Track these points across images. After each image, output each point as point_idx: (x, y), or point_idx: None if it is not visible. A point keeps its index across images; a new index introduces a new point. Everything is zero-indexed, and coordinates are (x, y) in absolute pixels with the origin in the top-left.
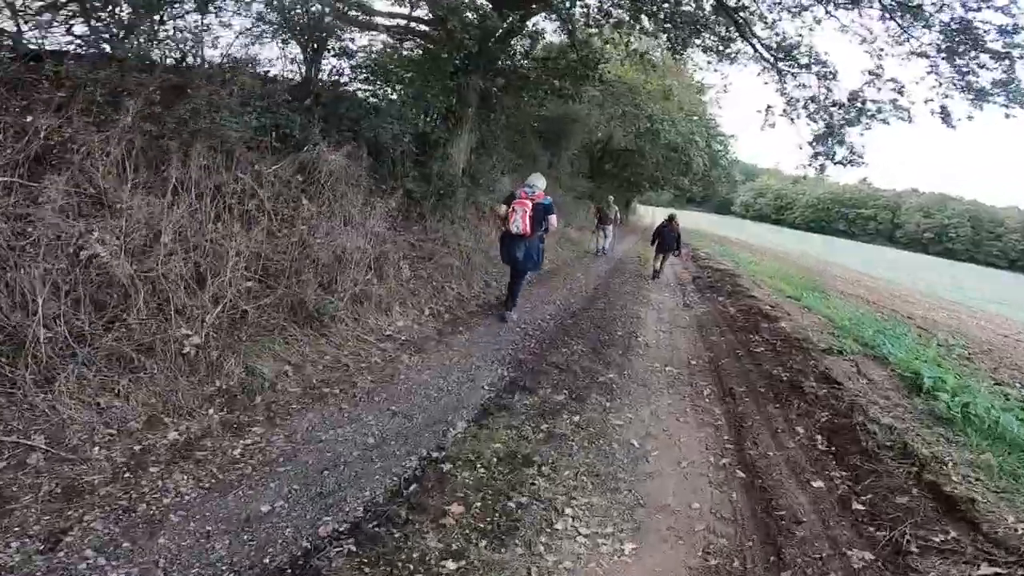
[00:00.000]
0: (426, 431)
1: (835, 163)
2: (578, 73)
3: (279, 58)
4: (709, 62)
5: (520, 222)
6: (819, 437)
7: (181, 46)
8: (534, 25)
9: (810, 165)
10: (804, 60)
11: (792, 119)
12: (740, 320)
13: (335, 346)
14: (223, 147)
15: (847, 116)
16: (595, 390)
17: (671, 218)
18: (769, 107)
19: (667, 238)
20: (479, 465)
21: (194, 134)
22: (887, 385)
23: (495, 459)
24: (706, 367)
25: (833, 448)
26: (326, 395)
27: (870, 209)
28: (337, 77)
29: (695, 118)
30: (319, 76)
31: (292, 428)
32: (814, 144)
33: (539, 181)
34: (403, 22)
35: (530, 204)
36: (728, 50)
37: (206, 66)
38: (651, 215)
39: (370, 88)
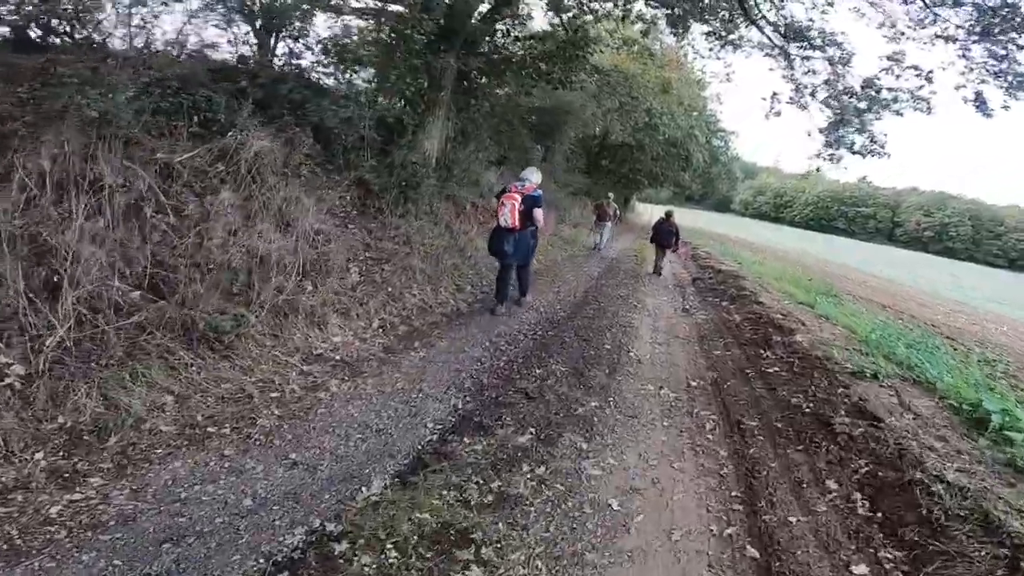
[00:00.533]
0: (329, 490)
1: (853, 153)
2: (567, 55)
3: (230, 41)
4: (711, 49)
5: (508, 215)
6: (858, 496)
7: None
8: (523, 6)
9: (820, 156)
10: (817, 41)
11: (802, 106)
12: (748, 331)
13: (242, 370)
14: (112, 133)
15: (861, 103)
16: (570, 427)
17: (668, 214)
18: (775, 94)
19: (664, 234)
20: (390, 546)
21: (54, 116)
22: (939, 421)
23: (416, 536)
24: (709, 390)
25: (880, 514)
26: (210, 436)
27: (870, 207)
28: (294, 60)
29: (695, 113)
30: (271, 59)
31: (145, 480)
32: (829, 132)
33: (533, 175)
34: (376, 4)
35: (519, 197)
36: (732, 36)
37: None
38: (650, 213)
39: (329, 71)
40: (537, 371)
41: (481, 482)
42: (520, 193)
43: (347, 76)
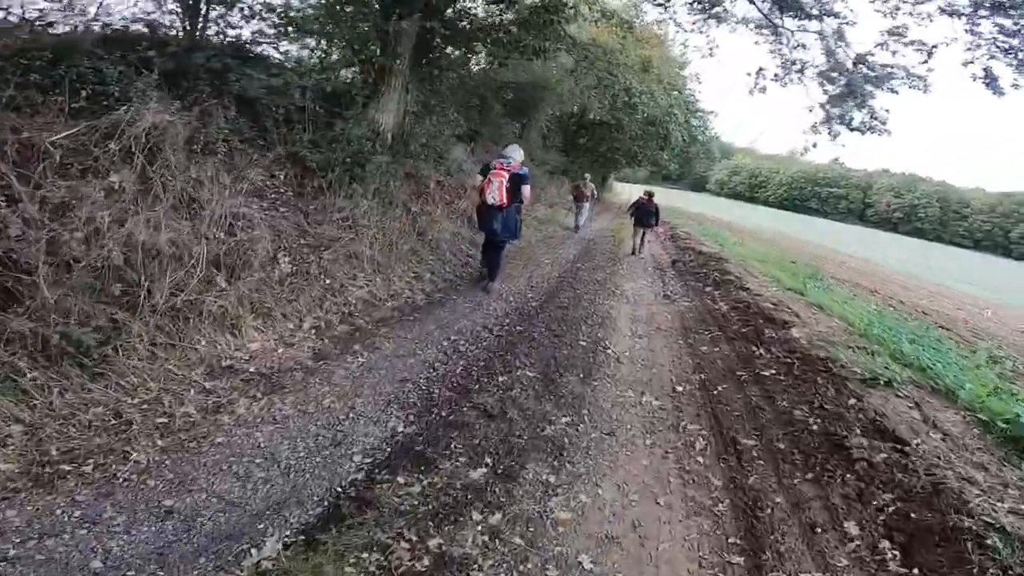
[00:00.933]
0: (207, 552)
1: (852, 129)
2: (541, 20)
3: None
4: (695, 22)
5: (497, 193)
6: (887, 544)
7: None
8: None
9: (816, 130)
10: (814, 10)
11: (788, 82)
12: (736, 322)
13: (122, 391)
14: None
15: (858, 77)
16: (536, 453)
17: (650, 195)
18: (760, 69)
19: (645, 214)
20: None
21: None
22: (971, 441)
23: None
24: (697, 396)
25: (917, 571)
26: (64, 475)
27: (842, 188)
28: (230, 29)
29: (675, 92)
30: (201, 28)
31: None
32: (832, 105)
33: (516, 153)
34: None
35: (506, 175)
36: (717, 7)
37: None
38: (628, 192)
39: (270, 39)
40: (500, 379)
41: (415, 539)
42: (507, 170)
43: (284, 43)
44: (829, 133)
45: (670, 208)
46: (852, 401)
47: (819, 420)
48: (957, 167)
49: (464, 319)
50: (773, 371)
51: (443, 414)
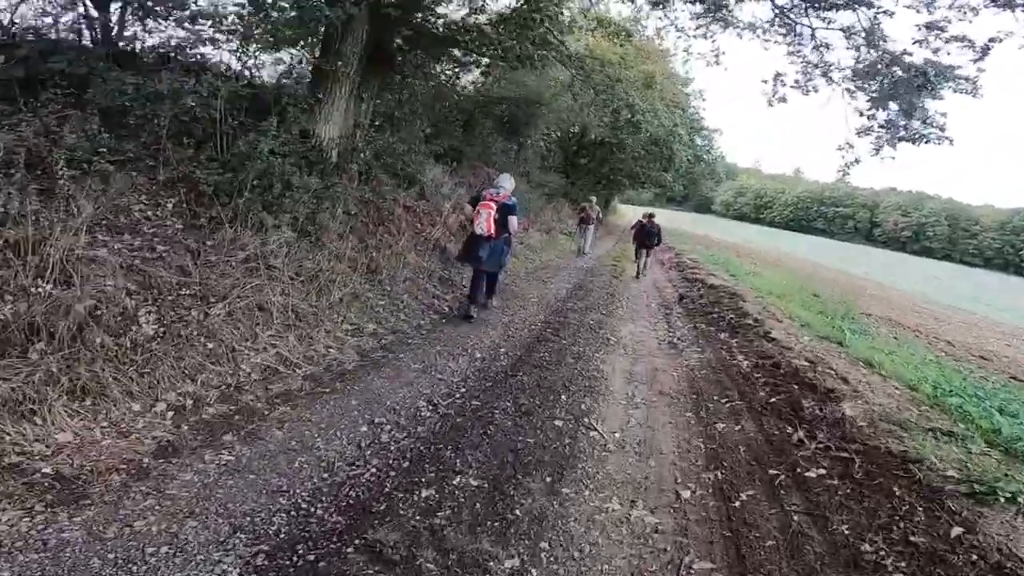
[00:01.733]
0: None
1: (901, 140)
2: (522, 19)
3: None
4: (698, 27)
5: (484, 224)
6: None
7: None
8: None
9: (851, 145)
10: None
11: (812, 89)
12: (763, 386)
13: None
14: None
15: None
16: None
17: (650, 216)
18: (779, 75)
19: (647, 235)
20: None
21: None
22: None
23: None
24: (711, 510)
25: None
26: None
27: (848, 208)
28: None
29: (678, 111)
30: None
31: None
32: (869, 113)
33: (506, 182)
34: None
35: (494, 205)
36: (721, 11)
37: None
38: (632, 214)
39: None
40: (425, 492)
41: None
42: (495, 201)
43: (205, 48)
44: (873, 146)
45: (676, 231)
46: (957, 531)
47: (904, 563)
48: (962, 182)
49: (404, 388)
50: (822, 470)
51: (311, 558)
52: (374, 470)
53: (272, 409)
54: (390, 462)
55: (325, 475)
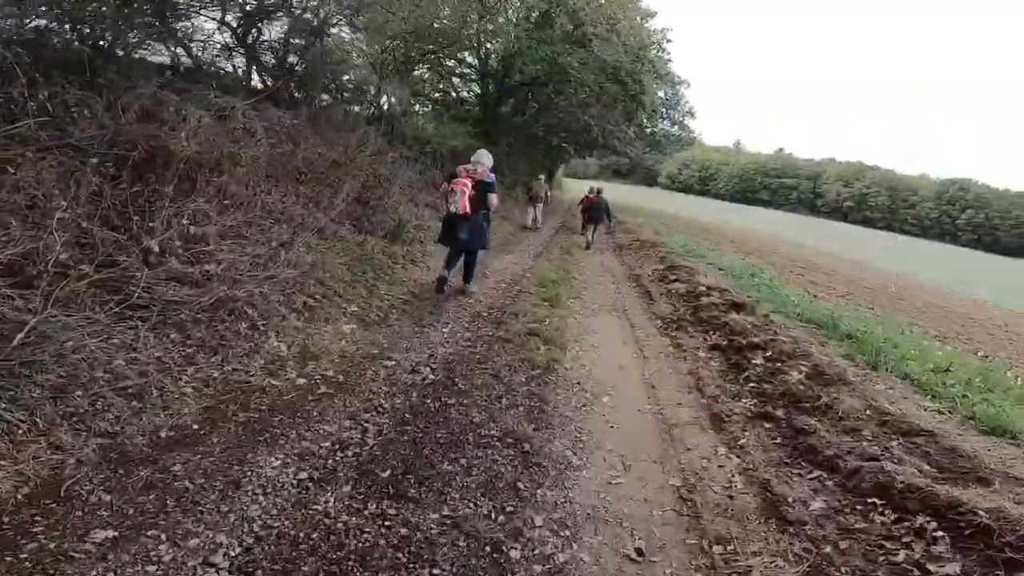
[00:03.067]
0: None
1: None
2: None
3: None
4: None
5: (459, 201)
6: None
7: None
8: None
9: None
10: None
11: None
12: None
13: None
14: None
15: None
16: None
17: (598, 191)
18: None
19: (595, 210)
20: None
21: None
22: None
23: None
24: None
25: None
26: None
27: (792, 179)
28: None
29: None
30: None
31: None
32: None
33: (485, 158)
34: None
35: (470, 183)
36: None
37: None
38: (578, 189)
39: None
40: None
41: None
42: (471, 178)
43: None
44: None
45: (628, 207)
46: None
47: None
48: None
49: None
50: None
51: None
52: None
53: None
54: None
55: None
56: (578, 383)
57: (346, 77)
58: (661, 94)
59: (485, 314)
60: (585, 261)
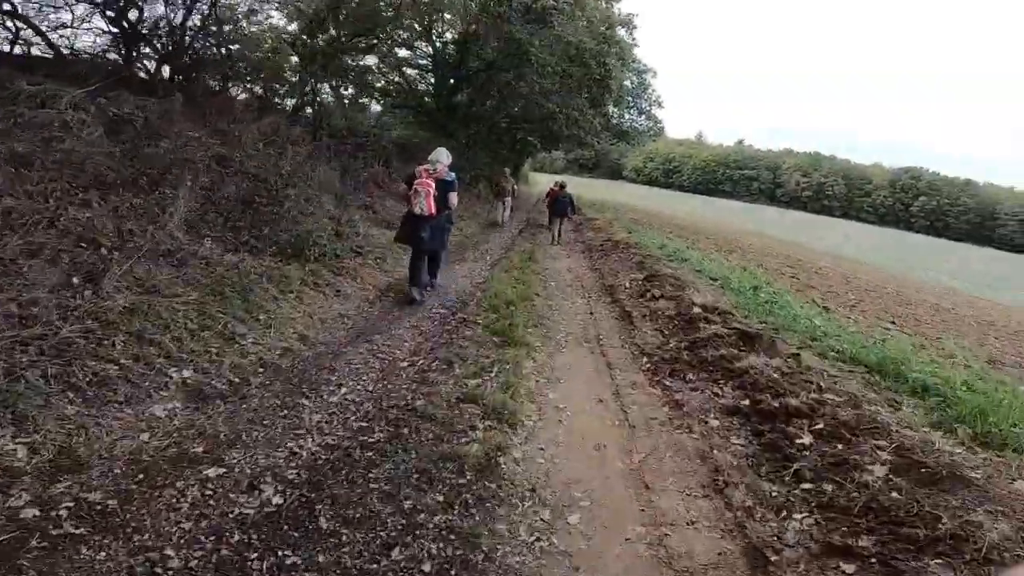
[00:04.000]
0: None
1: None
2: None
3: None
4: None
5: (424, 203)
6: None
7: None
8: None
9: None
10: None
11: None
12: None
13: None
14: None
15: None
16: None
17: (562, 185)
18: None
19: (560, 204)
20: None
21: None
22: None
23: None
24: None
25: None
26: None
27: (752, 170)
28: None
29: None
30: None
31: None
32: None
33: (443, 156)
34: None
35: (432, 183)
36: None
37: None
38: (546, 183)
39: None
40: None
41: None
42: (433, 178)
43: None
44: None
45: (595, 201)
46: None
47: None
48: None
49: None
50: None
51: None
52: None
53: None
54: None
55: None
56: (532, 490)
57: (254, 56)
58: (627, 83)
59: (406, 363)
60: (551, 267)
